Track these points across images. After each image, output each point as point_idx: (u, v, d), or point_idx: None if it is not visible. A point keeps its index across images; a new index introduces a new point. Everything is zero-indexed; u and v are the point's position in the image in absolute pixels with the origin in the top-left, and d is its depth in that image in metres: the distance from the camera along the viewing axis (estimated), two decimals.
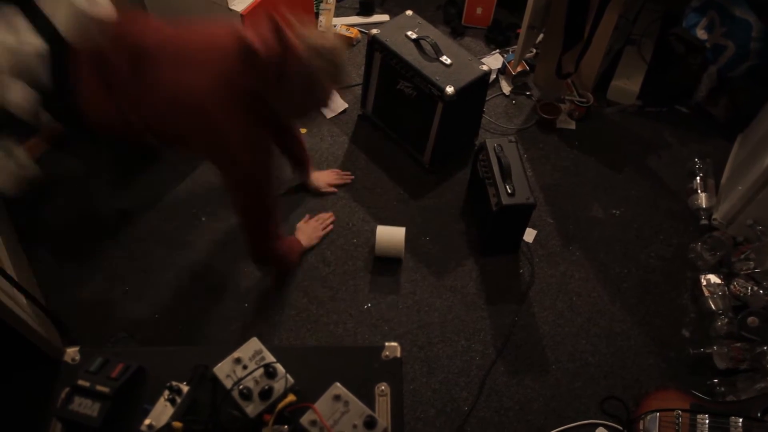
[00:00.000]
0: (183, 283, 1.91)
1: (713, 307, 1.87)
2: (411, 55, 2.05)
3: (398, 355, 1.12)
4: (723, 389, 1.73)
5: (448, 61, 2.03)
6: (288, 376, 1.05)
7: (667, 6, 2.54)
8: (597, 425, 1.70)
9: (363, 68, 2.25)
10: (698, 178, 2.16)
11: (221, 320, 1.84)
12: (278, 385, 1.03)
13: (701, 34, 2.32)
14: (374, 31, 2.11)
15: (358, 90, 2.39)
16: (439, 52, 2.04)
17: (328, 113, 2.39)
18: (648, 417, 1.62)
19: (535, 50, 2.55)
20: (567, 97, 2.40)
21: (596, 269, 2.01)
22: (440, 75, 1.99)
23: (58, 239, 1.99)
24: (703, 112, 2.42)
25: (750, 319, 1.79)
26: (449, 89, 1.95)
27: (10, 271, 1.60)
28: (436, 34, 2.10)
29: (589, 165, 2.29)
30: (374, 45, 2.12)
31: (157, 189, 2.12)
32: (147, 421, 0.98)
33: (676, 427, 1.58)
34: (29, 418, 1.62)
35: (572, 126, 2.39)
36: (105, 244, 1.98)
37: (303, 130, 2.33)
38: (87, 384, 1.00)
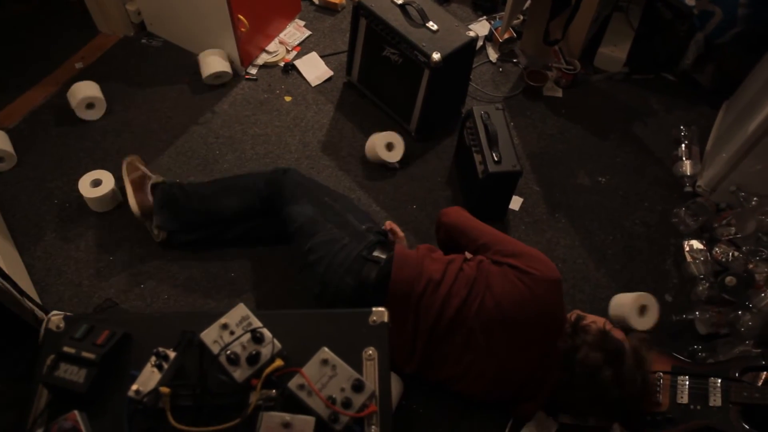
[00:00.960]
0: (168, 253, 1.89)
1: (695, 272, 1.90)
2: (397, 20, 2.01)
3: (385, 320, 1.13)
4: (704, 354, 1.76)
5: (435, 27, 2.00)
6: (275, 341, 1.05)
7: None
8: None
9: (348, 35, 2.21)
10: (683, 145, 2.17)
11: (208, 290, 1.83)
12: (266, 351, 1.04)
13: (689, 0, 2.30)
14: None
15: (344, 57, 2.35)
16: (425, 18, 2.01)
17: (313, 81, 2.35)
18: None
19: (522, 17, 2.52)
20: (554, 65, 2.38)
21: (582, 236, 2.03)
22: (426, 41, 1.96)
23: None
24: (689, 80, 2.42)
25: (728, 278, 1.81)
26: (436, 56, 1.92)
27: None
28: (422, 0, 2.06)
29: (576, 132, 2.28)
30: (359, 10, 2.08)
31: None
32: (134, 387, 0.98)
33: (658, 389, 1.61)
34: (13, 386, 1.62)
35: (559, 94, 2.38)
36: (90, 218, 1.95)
37: (288, 98, 2.30)
38: (72, 350, 1.00)
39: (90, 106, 2.14)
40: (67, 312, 1.61)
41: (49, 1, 2.48)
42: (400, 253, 1.46)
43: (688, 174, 2.12)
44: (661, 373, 1.63)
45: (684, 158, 2.15)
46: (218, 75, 2.25)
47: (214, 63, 2.24)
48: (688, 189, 2.10)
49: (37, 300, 1.73)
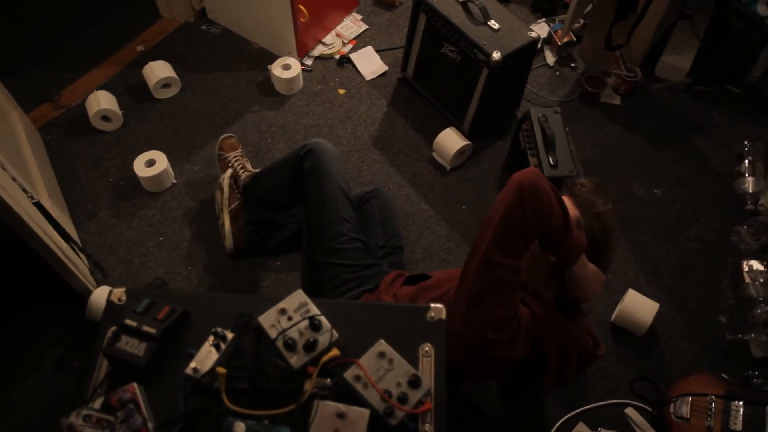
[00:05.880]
0: (217, 238, 1.91)
1: (754, 293, 1.83)
2: (458, 17, 1.99)
3: (443, 317, 1.10)
4: (760, 381, 1.69)
5: (496, 26, 1.97)
6: (333, 330, 1.03)
7: None
8: (626, 405, 1.69)
9: (405, 31, 2.19)
10: (746, 161, 2.10)
11: (254, 277, 1.84)
12: (323, 339, 1.02)
13: (762, 9, 2.21)
14: None
15: (399, 53, 2.34)
16: (487, 16, 1.98)
17: (368, 75, 2.34)
18: (679, 400, 1.59)
19: (583, 21, 2.47)
20: (614, 71, 2.32)
21: (634, 248, 1.97)
22: (487, 40, 1.93)
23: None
24: (755, 93, 2.33)
25: None
26: (496, 55, 1.89)
27: (55, 215, 1.61)
28: None
29: (633, 142, 2.22)
30: (420, 6, 2.06)
31: None
32: (192, 365, 0.98)
33: (709, 413, 1.55)
34: (67, 353, 1.66)
35: (617, 101, 2.32)
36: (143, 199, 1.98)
37: (341, 91, 2.29)
38: (134, 324, 1.00)
39: (166, 86, 2.21)
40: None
41: None
42: None
43: (750, 191, 2.04)
44: (713, 397, 1.57)
45: (747, 174, 2.07)
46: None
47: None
48: (750, 207, 2.02)
49: (88, 273, 1.76)
